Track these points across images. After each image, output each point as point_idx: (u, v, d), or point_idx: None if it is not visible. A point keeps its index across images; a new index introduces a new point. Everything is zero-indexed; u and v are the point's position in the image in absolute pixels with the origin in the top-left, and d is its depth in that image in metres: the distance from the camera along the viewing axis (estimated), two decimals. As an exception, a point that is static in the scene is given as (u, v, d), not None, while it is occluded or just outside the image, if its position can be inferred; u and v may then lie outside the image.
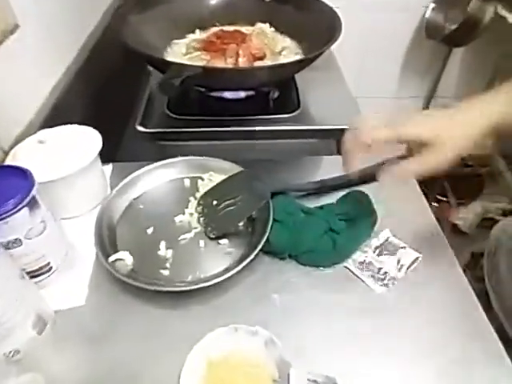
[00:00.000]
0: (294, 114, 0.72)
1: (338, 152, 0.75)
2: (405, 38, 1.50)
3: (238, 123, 0.69)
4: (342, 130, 0.70)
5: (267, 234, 0.48)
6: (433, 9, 1.38)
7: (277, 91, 0.76)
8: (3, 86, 0.56)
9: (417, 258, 0.49)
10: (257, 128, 0.69)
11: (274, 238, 0.49)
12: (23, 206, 0.38)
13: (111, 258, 0.47)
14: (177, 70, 0.54)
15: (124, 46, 0.60)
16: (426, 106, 1.66)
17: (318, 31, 0.75)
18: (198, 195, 0.57)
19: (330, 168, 0.63)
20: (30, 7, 0.61)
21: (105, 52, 0.75)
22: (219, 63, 0.69)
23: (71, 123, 0.60)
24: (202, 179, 0.59)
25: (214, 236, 0.51)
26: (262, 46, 0.76)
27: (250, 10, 0.84)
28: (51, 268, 0.44)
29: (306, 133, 0.70)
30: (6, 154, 0.53)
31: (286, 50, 0.79)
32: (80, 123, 0.62)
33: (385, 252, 0.51)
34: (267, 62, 0.72)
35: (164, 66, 0.58)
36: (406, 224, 0.54)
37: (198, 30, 0.83)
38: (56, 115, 0.60)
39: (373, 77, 1.58)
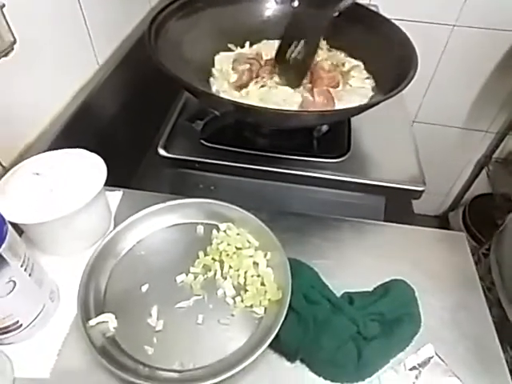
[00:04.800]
0: (341, 159, 0.61)
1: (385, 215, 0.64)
2: (487, 62, 1.27)
3: (274, 161, 0.59)
4: (396, 189, 0.61)
5: (278, 327, 0.39)
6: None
7: (325, 126, 0.65)
8: (13, 92, 0.49)
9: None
10: (294, 172, 0.59)
11: (286, 335, 0.39)
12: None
13: (92, 322, 0.40)
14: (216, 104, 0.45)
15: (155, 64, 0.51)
16: (497, 144, 1.46)
17: (387, 58, 0.62)
18: (209, 250, 0.48)
19: (372, 237, 0.53)
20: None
21: (134, 62, 0.67)
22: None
23: (86, 138, 0.54)
24: (218, 230, 0.50)
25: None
26: (333, 71, 0.64)
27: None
28: (21, 325, 0.38)
29: (352, 185, 0.59)
30: (6, 170, 0.47)
31: (355, 71, 0.67)
32: (96, 139, 0.55)
33: (423, 376, 0.40)
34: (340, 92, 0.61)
35: (206, 99, 0.49)
36: (460, 340, 0.42)
37: (247, 44, 0.72)
38: (70, 128, 0.54)
39: (439, 100, 1.40)
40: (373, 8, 0.78)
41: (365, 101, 0.61)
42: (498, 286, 0.74)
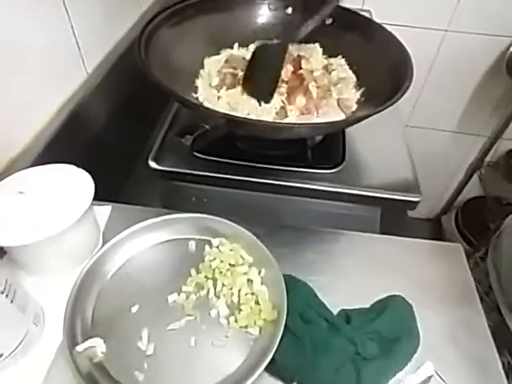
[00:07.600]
0: (336, 169, 0.60)
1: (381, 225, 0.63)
2: (479, 67, 1.27)
3: (267, 173, 0.58)
4: (392, 201, 0.60)
5: (274, 349, 0.38)
6: (520, 42, 1.17)
7: (320, 136, 0.64)
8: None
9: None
10: (288, 183, 0.57)
11: (282, 358, 0.38)
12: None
13: (79, 348, 0.38)
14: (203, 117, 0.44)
15: (144, 71, 0.50)
16: (489, 148, 1.47)
17: (380, 68, 0.61)
18: (202, 267, 0.47)
19: (368, 250, 0.52)
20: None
21: (124, 70, 0.65)
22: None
23: (72, 150, 0.52)
24: (210, 245, 0.49)
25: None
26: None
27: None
28: (1, 355, 0.36)
29: (347, 196, 0.58)
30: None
31: (342, 83, 0.66)
32: (83, 150, 0.54)
33: (424, 397, 0.39)
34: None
35: (190, 108, 0.48)
36: (459, 358, 0.41)
37: (236, 45, 0.70)
38: (56, 142, 0.52)
39: (432, 105, 1.40)
40: (365, 13, 0.78)
41: (348, 112, 0.60)
42: (496, 292, 0.73)
